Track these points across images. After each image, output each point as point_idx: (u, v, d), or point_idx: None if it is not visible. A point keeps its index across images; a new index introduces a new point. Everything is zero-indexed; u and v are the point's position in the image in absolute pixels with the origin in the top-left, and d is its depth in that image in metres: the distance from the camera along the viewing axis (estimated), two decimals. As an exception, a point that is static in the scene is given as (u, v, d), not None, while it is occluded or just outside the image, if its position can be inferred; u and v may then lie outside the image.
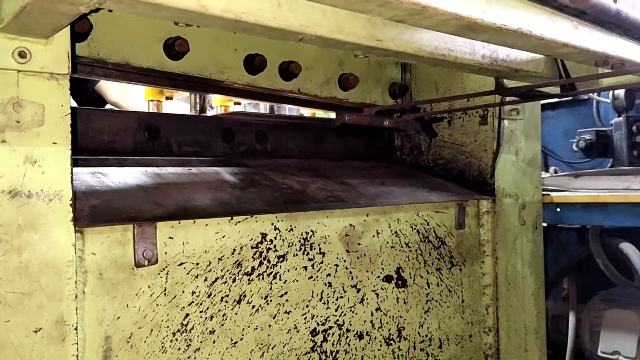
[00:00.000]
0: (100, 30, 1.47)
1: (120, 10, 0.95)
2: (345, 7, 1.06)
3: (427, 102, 2.10)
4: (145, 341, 1.23)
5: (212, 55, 1.68)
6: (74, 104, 1.12)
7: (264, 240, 1.43)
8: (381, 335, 1.67)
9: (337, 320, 1.57)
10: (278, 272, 1.45)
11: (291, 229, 1.48)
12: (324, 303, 1.54)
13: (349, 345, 1.60)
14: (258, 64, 1.73)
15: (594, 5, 1.14)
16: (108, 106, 2.77)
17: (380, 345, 1.67)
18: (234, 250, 1.38)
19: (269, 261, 1.44)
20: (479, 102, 1.94)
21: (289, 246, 1.48)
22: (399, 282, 1.73)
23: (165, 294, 1.26)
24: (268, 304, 1.43)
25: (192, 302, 1.31)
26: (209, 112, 2.18)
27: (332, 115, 2.05)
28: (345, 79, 1.98)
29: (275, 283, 1.45)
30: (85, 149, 1.50)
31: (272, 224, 1.45)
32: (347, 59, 2.01)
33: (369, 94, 2.09)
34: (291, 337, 1.48)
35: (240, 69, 1.74)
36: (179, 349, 1.28)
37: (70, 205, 1.08)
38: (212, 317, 1.34)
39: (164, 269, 1.26)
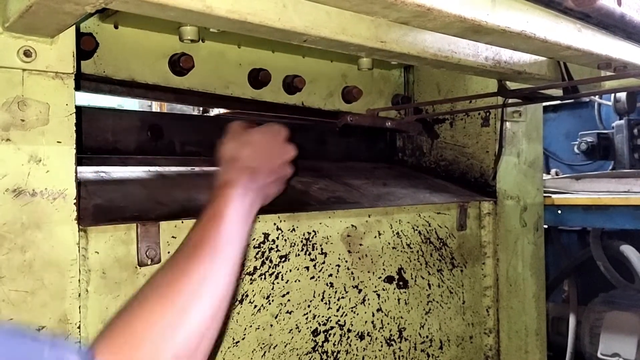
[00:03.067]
0: (106, 47, 1.49)
1: (125, 10, 0.95)
2: (350, 8, 1.06)
3: (429, 104, 2.11)
4: (147, 340, 1.23)
5: (216, 71, 1.70)
6: (78, 103, 1.13)
7: (266, 240, 1.43)
8: (382, 335, 1.68)
9: (339, 320, 1.57)
10: (280, 272, 1.45)
11: (293, 229, 1.48)
12: (326, 303, 1.54)
13: (350, 345, 1.60)
14: (262, 78, 1.74)
15: (599, 8, 1.14)
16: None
17: (381, 346, 1.68)
18: (237, 250, 1.38)
19: (271, 261, 1.44)
20: (481, 104, 1.94)
21: (291, 246, 1.48)
22: (400, 283, 1.73)
23: (167, 293, 1.26)
24: (270, 303, 1.43)
25: (195, 301, 1.31)
26: (212, 112, 2.17)
27: (335, 118, 2.06)
28: (349, 92, 1.98)
29: (277, 283, 1.45)
30: (89, 148, 1.50)
31: (275, 224, 1.45)
32: (351, 72, 2.01)
33: (372, 106, 2.09)
34: (293, 337, 1.48)
35: (244, 83, 1.76)
36: (181, 348, 1.28)
37: (74, 204, 1.08)
38: (214, 317, 1.34)
39: (166, 268, 1.26)
